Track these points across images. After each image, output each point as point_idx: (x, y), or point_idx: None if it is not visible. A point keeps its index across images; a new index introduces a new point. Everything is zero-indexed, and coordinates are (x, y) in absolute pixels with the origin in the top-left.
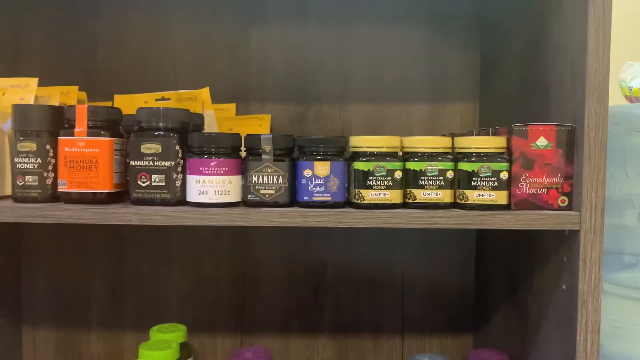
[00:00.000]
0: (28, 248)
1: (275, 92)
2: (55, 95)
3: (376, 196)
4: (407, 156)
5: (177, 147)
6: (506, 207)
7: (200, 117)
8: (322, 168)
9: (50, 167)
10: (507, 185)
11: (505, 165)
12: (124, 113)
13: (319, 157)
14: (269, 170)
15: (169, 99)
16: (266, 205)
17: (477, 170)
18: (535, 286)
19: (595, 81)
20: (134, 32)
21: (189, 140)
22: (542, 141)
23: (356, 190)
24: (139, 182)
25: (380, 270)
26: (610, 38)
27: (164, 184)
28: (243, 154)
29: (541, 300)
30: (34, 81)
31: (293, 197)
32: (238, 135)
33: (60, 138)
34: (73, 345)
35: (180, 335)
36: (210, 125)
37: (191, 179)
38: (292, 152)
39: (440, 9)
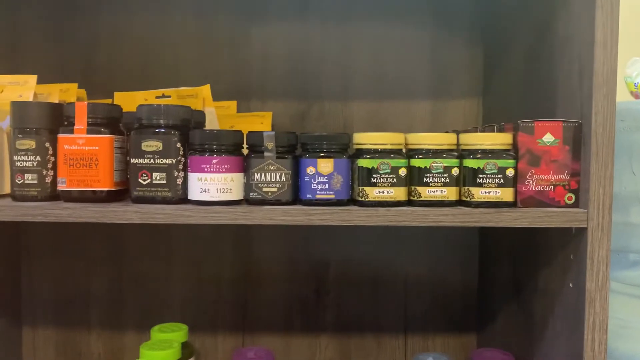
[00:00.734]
0: (27, 247)
1: (276, 90)
2: (55, 93)
3: (380, 194)
4: (412, 153)
5: (179, 145)
6: (512, 205)
7: (202, 114)
8: (325, 165)
9: (49, 165)
10: (513, 182)
11: (511, 162)
12: (124, 110)
13: (322, 155)
14: (272, 168)
15: (169, 97)
16: (268, 204)
17: (483, 167)
18: (540, 284)
19: (602, 76)
20: (134, 29)
21: (191, 138)
22: (548, 137)
23: (360, 187)
24: (139, 180)
25: (383, 269)
26: (618, 32)
27: (165, 181)
28: (245, 151)
29: (546, 298)
30: (32, 78)
31: (296, 195)
32: (240, 133)
33: (60, 135)
34: (73, 345)
35: (181, 334)
36: (212, 123)
37: (193, 176)
38: (295, 149)
39: (443, 5)
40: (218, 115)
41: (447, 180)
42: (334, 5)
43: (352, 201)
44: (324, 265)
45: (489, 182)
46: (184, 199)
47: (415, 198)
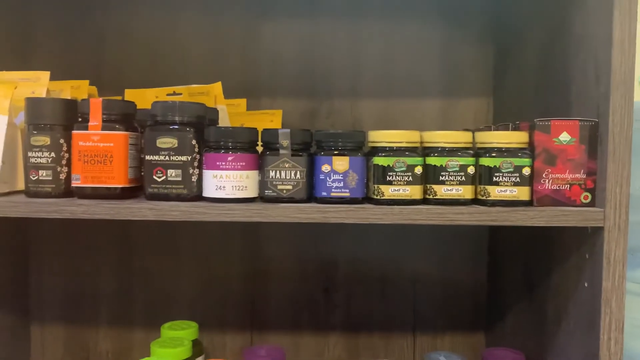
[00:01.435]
0: (36, 244)
1: (286, 88)
2: (67, 90)
3: (396, 192)
4: (427, 151)
5: (194, 142)
6: (528, 204)
7: (215, 112)
8: (340, 163)
9: (63, 162)
10: (530, 181)
11: (527, 160)
12: None
13: (337, 152)
14: (287, 166)
15: (180, 94)
16: (283, 201)
17: (499, 166)
18: (554, 284)
19: (620, 75)
20: (144, 26)
21: (206, 135)
22: (565, 136)
23: (375, 185)
24: (154, 177)
25: (391, 267)
26: (636, 31)
27: (180, 178)
28: (259, 149)
29: (560, 297)
30: (45, 75)
31: (310, 192)
32: (255, 130)
33: (74, 132)
34: (82, 342)
35: (192, 332)
36: (223, 121)
37: (208, 174)
38: (310, 147)
39: (453, 3)
40: (228, 113)
41: (463, 178)
42: (343, 3)
43: (367, 199)
44: (333, 264)
45: (505, 181)
46: (198, 196)
47: (431, 196)
